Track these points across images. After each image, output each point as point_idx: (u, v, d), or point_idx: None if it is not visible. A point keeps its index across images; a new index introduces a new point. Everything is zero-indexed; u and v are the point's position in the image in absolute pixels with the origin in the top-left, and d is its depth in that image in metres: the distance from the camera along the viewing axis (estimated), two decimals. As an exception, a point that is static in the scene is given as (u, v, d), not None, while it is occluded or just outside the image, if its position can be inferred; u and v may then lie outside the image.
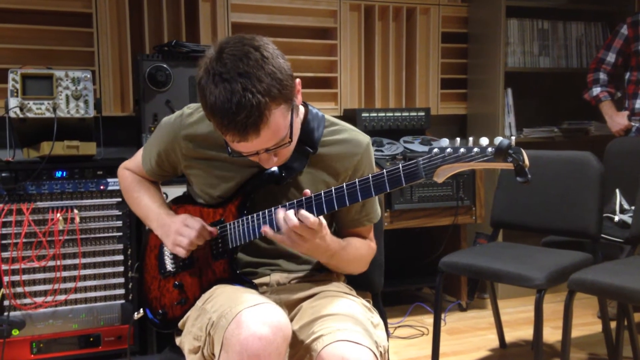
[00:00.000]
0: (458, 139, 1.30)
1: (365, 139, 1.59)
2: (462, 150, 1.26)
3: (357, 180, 1.37)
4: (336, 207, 1.39)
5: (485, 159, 1.24)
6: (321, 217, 1.40)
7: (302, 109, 1.53)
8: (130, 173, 1.74)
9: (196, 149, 1.55)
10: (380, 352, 1.39)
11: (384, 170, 1.35)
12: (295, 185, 1.55)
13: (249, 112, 1.27)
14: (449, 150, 1.27)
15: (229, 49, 1.31)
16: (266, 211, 1.46)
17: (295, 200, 1.42)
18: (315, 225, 1.37)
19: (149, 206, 1.66)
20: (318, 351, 1.33)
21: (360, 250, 1.61)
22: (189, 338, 1.45)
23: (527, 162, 1.23)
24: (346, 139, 1.57)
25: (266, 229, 1.43)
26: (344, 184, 1.39)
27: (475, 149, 1.25)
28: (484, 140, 1.26)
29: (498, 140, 1.24)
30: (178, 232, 1.53)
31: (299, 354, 1.40)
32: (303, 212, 1.36)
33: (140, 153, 1.72)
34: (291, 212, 1.37)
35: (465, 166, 1.27)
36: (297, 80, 1.40)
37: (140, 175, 1.73)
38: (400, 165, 1.32)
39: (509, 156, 1.22)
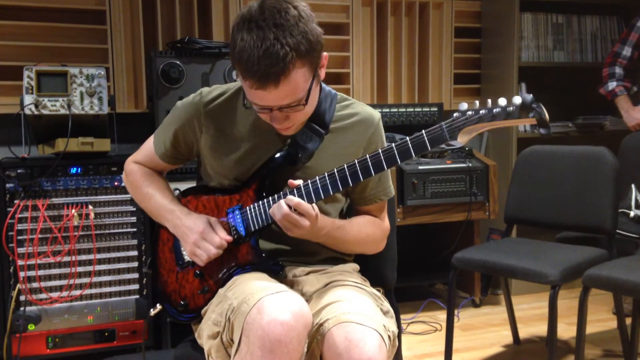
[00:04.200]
0: (477, 101, 1.34)
1: (376, 113, 1.63)
2: (483, 111, 1.30)
3: (380, 149, 1.41)
4: (361, 177, 1.43)
5: (508, 116, 1.29)
6: (314, 205, 1.43)
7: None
8: (138, 167, 1.72)
9: (217, 124, 1.56)
10: (389, 336, 1.40)
11: (407, 137, 1.37)
12: (311, 166, 1.56)
13: (274, 61, 1.31)
14: (470, 112, 1.31)
15: (270, 2, 1.36)
16: (287, 190, 1.47)
17: (318, 178, 1.45)
18: (308, 211, 1.41)
19: (161, 203, 1.64)
20: (324, 334, 1.35)
21: (365, 229, 1.62)
22: (208, 324, 1.46)
23: (547, 115, 1.28)
24: (358, 113, 1.61)
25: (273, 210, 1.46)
26: (367, 154, 1.42)
27: (497, 108, 1.29)
28: (502, 100, 1.30)
29: (517, 98, 1.28)
30: (196, 245, 1.53)
31: (308, 341, 1.40)
32: (294, 198, 1.41)
33: (148, 143, 1.71)
34: (282, 202, 1.42)
35: (488, 125, 1.31)
36: (325, 54, 1.44)
37: (150, 166, 1.71)
38: (423, 130, 1.36)
39: (532, 111, 1.26)
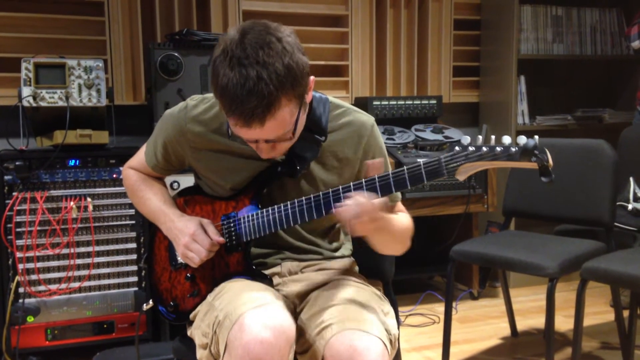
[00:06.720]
0: (480, 137, 1.29)
1: (369, 119, 1.58)
2: (484, 149, 1.26)
3: (376, 176, 1.37)
4: None
5: (509, 158, 1.24)
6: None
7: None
8: (134, 172, 1.70)
9: (204, 141, 1.54)
10: (391, 340, 1.40)
11: (405, 167, 1.34)
12: (306, 176, 1.54)
13: (259, 101, 1.26)
14: (471, 148, 1.27)
15: (251, 35, 1.29)
16: (281, 205, 1.45)
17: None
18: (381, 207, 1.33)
19: (155, 206, 1.62)
20: (327, 340, 1.34)
21: (403, 221, 1.55)
22: (198, 333, 1.46)
23: (551, 162, 1.23)
24: (351, 122, 1.56)
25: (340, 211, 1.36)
26: (363, 179, 1.38)
27: (499, 148, 1.25)
28: (506, 139, 1.26)
29: (522, 139, 1.24)
30: (187, 247, 1.51)
31: (308, 342, 1.40)
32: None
33: (141, 153, 1.69)
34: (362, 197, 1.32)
35: (488, 165, 1.27)
36: (312, 77, 1.38)
37: (145, 173, 1.69)
38: (421, 162, 1.32)
39: (534, 156, 1.22)
